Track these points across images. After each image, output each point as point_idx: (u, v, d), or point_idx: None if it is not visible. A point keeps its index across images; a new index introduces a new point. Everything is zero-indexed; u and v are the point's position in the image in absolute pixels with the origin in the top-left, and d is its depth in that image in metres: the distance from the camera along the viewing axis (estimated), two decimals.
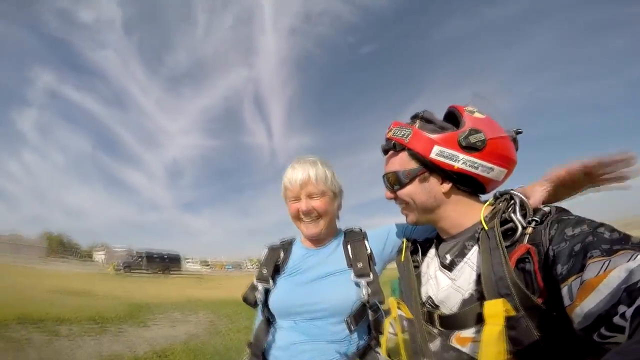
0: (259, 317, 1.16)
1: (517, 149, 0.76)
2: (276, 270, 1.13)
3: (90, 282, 13.08)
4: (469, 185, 0.76)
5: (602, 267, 0.44)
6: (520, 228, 0.62)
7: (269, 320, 1.10)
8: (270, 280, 1.09)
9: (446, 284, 0.73)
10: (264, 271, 1.12)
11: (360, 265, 1.02)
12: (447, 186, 0.76)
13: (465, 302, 0.67)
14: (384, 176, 0.84)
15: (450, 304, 0.71)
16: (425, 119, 0.77)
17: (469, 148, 0.70)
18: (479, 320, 0.61)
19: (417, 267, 0.87)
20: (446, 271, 0.75)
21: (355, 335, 0.98)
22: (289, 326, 1.03)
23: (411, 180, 0.77)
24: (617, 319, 0.39)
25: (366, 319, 0.98)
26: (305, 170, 1.06)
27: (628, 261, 0.42)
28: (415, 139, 0.75)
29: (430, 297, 0.77)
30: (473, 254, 0.70)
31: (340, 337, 0.97)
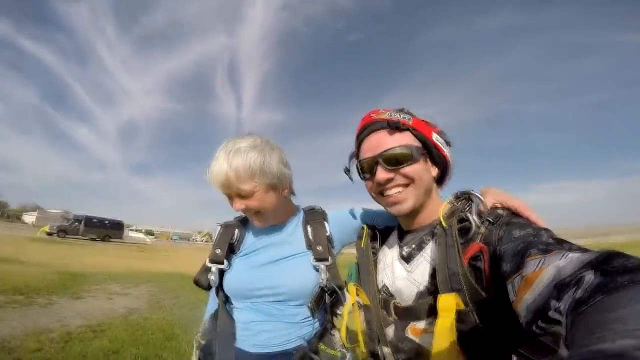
0: (212, 300, 1.15)
1: None
2: (231, 250, 1.09)
3: (18, 247, 11.93)
4: (439, 180, 0.85)
5: (538, 264, 0.49)
6: (474, 227, 0.67)
7: (225, 303, 1.07)
8: (225, 261, 1.05)
9: (402, 274, 0.77)
10: (218, 251, 1.06)
11: (319, 248, 1.02)
12: (435, 172, 0.82)
13: (420, 295, 0.72)
14: (383, 153, 0.78)
15: (405, 295, 0.75)
16: (408, 114, 0.82)
17: (447, 143, 0.82)
18: (432, 312, 0.66)
19: (374, 254, 0.90)
20: (404, 262, 0.79)
21: (315, 317, 0.99)
22: (247, 307, 1.01)
23: (419, 157, 0.78)
24: (551, 313, 0.43)
25: (324, 302, 1.00)
26: (223, 169, 0.92)
27: (560, 259, 0.46)
28: (418, 123, 0.80)
29: (386, 286, 0.81)
30: (430, 248, 0.74)
31: (299, 319, 0.98)
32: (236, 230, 1.12)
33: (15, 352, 2.70)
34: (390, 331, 0.76)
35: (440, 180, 0.86)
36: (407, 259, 0.79)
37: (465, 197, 0.76)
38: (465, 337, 0.61)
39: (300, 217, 1.15)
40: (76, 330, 3.66)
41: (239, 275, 1.04)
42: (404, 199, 0.78)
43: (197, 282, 1.08)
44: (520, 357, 0.57)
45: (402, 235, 0.87)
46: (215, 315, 1.08)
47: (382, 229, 0.97)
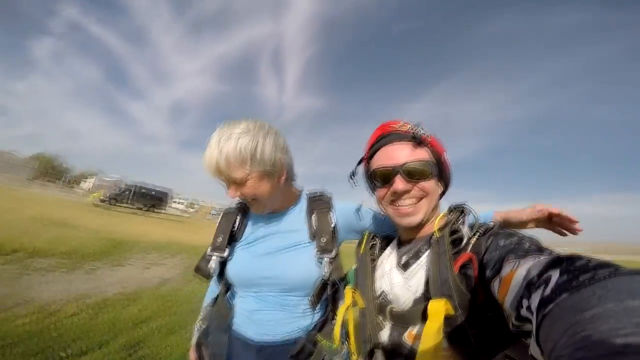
0: (213, 286, 1.15)
1: None
2: (232, 238, 1.08)
3: (72, 212, 13.13)
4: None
5: (513, 266, 0.53)
6: (465, 238, 0.71)
7: (225, 290, 1.07)
8: (226, 250, 1.04)
9: (399, 281, 0.80)
10: (219, 239, 1.06)
11: (323, 239, 0.99)
12: (441, 189, 0.85)
13: (416, 301, 0.74)
14: (406, 165, 0.80)
15: (401, 302, 0.77)
16: (421, 135, 0.84)
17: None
18: (425, 317, 0.68)
19: (373, 260, 0.92)
20: (401, 270, 0.82)
21: (316, 309, 1.00)
22: (250, 295, 1.01)
23: (435, 175, 0.82)
24: (523, 311, 0.45)
25: (326, 294, 0.99)
26: (213, 156, 0.88)
27: (532, 261, 0.49)
28: (435, 143, 0.83)
29: (384, 292, 0.83)
30: (426, 257, 0.77)
31: (302, 310, 0.98)
32: (237, 218, 1.10)
33: (54, 316, 2.96)
34: (384, 335, 0.78)
35: (441, 196, 0.89)
36: (404, 267, 0.82)
37: (459, 210, 0.80)
38: (454, 340, 0.64)
39: (303, 204, 1.11)
40: (112, 298, 3.95)
41: (241, 264, 1.03)
42: (415, 212, 0.81)
43: (197, 270, 1.08)
44: (506, 359, 0.59)
45: (400, 245, 0.90)
46: (216, 301, 1.09)
47: (382, 237, 0.98)
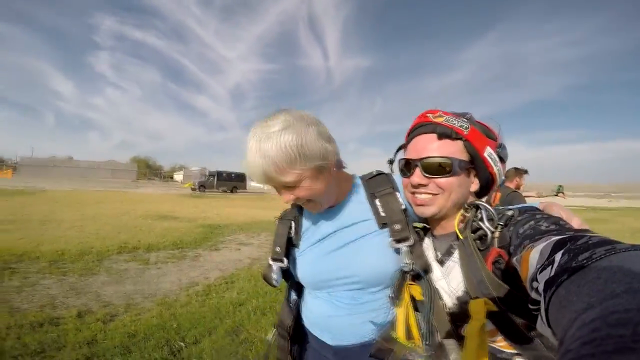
0: (286, 293, 1.14)
1: None
2: (291, 244, 1.04)
3: (172, 204, 15.27)
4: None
5: (526, 250, 0.54)
6: (489, 234, 0.70)
7: (297, 293, 1.08)
8: (285, 260, 1.01)
9: (439, 275, 0.81)
10: (277, 249, 1.02)
11: (397, 227, 0.88)
12: (476, 186, 0.83)
13: (459, 300, 0.75)
14: (424, 159, 0.80)
15: (444, 297, 0.79)
16: (473, 121, 0.82)
17: (501, 159, 0.83)
18: (468, 316, 0.68)
19: None
20: (439, 265, 0.82)
21: (394, 306, 0.90)
22: (323, 298, 0.97)
23: (460, 172, 0.79)
24: (533, 294, 0.46)
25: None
26: (257, 163, 0.78)
27: (543, 243, 0.50)
28: (474, 135, 0.78)
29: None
30: (458, 255, 0.77)
31: (377, 306, 0.91)
32: (292, 223, 1.05)
33: (172, 307, 3.52)
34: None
35: (482, 192, 0.86)
36: (440, 262, 0.82)
37: (474, 207, 0.78)
38: (508, 335, 0.66)
39: (360, 190, 1.00)
40: (214, 283, 4.53)
41: (307, 268, 1.00)
42: (429, 204, 0.82)
43: (264, 278, 1.05)
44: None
45: (433, 237, 0.90)
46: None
47: (421, 228, 0.97)
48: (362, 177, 1.04)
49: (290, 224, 1.05)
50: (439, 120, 0.80)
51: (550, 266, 0.43)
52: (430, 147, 0.80)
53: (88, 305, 3.41)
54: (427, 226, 0.95)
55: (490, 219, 0.72)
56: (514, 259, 0.59)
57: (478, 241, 0.72)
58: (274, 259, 1.02)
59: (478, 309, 0.65)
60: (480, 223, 0.72)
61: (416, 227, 0.95)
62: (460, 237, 0.76)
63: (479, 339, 0.63)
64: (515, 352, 0.67)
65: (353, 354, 0.91)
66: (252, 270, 5.23)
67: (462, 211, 0.81)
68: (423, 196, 0.82)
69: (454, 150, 0.79)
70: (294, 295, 1.10)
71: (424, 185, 0.81)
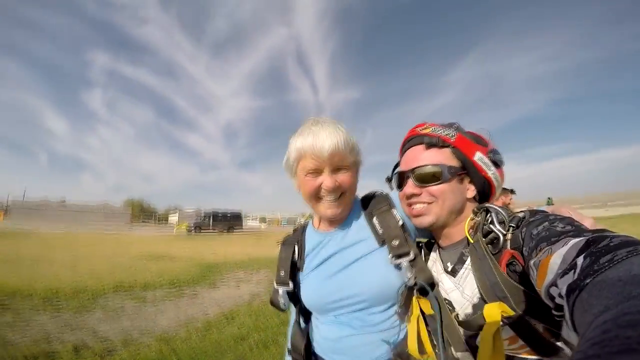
0: (292, 318, 1.13)
1: None
2: (295, 268, 1.05)
3: (167, 245, 14.95)
4: (481, 197, 0.87)
5: (545, 254, 0.52)
6: (501, 236, 0.69)
7: (305, 318, 1.06)
8: (290, 283, 1.01)
9: (450, 286, 0.80)
10: (282, 273, 1.03)
11: (395, 242, 0.88)
12: (472, 192, 0.84)
13: (475, 307, 0.73)
14: (414, 169, 0.83)
15: (458, 307, 0.77)
16: (460, 129, 0.84)
17: (495, 163, 0.83)
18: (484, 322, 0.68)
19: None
20: (450, 276, 0.81)
21: (403, 322, 0.89)
22: (331, 321, 0.95)
23: (451, 178, 0.80)
24: (557, 300, 0.46)
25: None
26: (334, 136, 0.87)
27: (562, 246, 0.49)
28: (461, 141, 0.81)
29: (445, 298, 0.82)
30: (470, 262, 0.76)
31: (388, 325, 0.89)
32: (295, 246, 1.07)
33: (171, 342, 3.38)
34: (463, 335, 0.77)
35: (482, 199, 0.87)
36: (452, 273, 0.81)
37: (483, 210, 0.78)
38: (526, 338, 0.63)
39: (358, 209, 1.04)
40: (214, 319, 4.38)
41: (311, 290, 0.99)
42: (424, 213, 0.83)
43: (272, 303, 1.07)
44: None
45: (440, 249, 0.89)
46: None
47: (426, 243, 0.97)
48: (361, 198, 1.08)
49: (294, 247, 1.06)
50: (426, 131, 0.84)
51: (573, 270, 0.42)
52: (420, 157, 0.83)
53: (84, 341, 3.27)
54: (433, 240, 0.95)
55: (501, 222, 0.71)
56: (531, 262, 0.57)
57: (490, 245, 0.71)
58: (279, 283, 1.03)
59: (492, 313, 0.63)
60: (491, 226, 0.71)
61: (420, 242, 0.96)
62: (471, 241, 0.75)
63: (492, 344, 0.61)
64: (537, 357, 0.64)
65: None
66: (252, 306, 5.07)
67: (471, 215, 0.81)
68: (418, 206, 0.84)
69: (442, 158, 0.81)
70: (302, 320, 1.08)
71: (417, 195, 0.83)
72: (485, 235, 0.72)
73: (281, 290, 1.02)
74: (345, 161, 0.91)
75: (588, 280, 0.38)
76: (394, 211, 0.96)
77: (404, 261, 0.86)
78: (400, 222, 0.93)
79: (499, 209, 0.73)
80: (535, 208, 0.74)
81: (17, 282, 5.53)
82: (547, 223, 0.61)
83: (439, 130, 0.83)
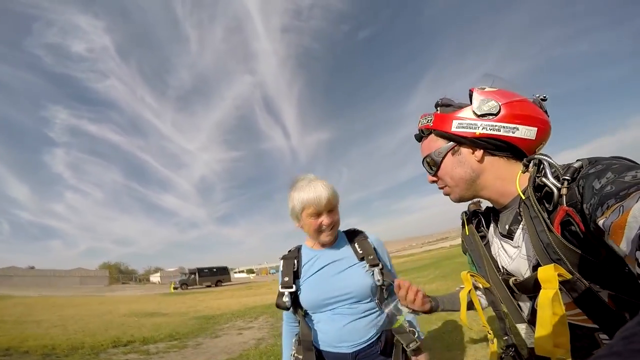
0: (290, 318, 1.42)
1: (546, 113, 0.79)
2: (296, 276, 1.34)
3: (156, 302, 14.19)
4: (504, 150, 0.77)
5: (618, 213, 0.45)
6: (555, 190, 0.61)
7: (306, 315, 1.31)
8: (293, 285, 1.30)
9: (514, 252, 0.76)
10: (286, 279, 1.31)
11: (370, 257, 1.29)
12: (479, 154, 0.78)
13: (535, 268, 0.68)
14: (422, 162, 0.90)
15: (523, 272, 0.73)
16: (444, 105, 0.84)
17: (485, 115, 0.75)
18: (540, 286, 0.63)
19: (483, 237, 0.92)
20: (509, 240, 0.78)
21: (381, 309, 1.26)
22: (328, 317, 1.25)
23: (444, 157, 0.82)
24: (638, 269, 0.40)
25: (383, 295, 1.27)
26: (326, 190, 1.25)
27: (637, 202, 0.43)
28: (437, 120, 0.82)
29: (504, 267, 0.81)
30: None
31: (372, 311, 1.26)
32: (294, 260, 1.37)
33: None
34: (525, 308, 0.77)
35: (517, 152, 0.77)
36: (508, 236, 0.78)
37: (534, 163, 0.70)
38: (585, 306, 0.58)
39: (343, 237, 1.42)
40: None
41: (311, 291, 1.29)
42: (448, 192, 0.87)
43: (278, 305, 1.31)
44: None
45: (496, 214, 0.87)
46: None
47: (485, 213, 0.95)
48: (344, 230, 1.47)
49: (294, 260, 1.37)
50: (419, 126, 0.89)
51: None
52: (422, 150, 0.89)
53: None
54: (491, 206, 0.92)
55: (555, 175, 0.63)
56: (600, 222, 0.49)
57: (544, 201, 0.65)
58: (284, 286, 1.30)
59: (548, 276, 0.58)
60: (544, 180, 0.63)
61: (477, 213, 0.98)
62: (522, 196, 0.69)
63: (551, 310, 0.56)
64: (596, 326, 0.59)
65: (369, 354, 1.21)
66: (260, 349, 4.95)
67: (522, 168, 0.74)
68: (444, 189, 0.88)
69: (429, 144, 0.86)
70: (305, 319, 1.33)
71: (436, 181, 0.89)
72: (538, 190, 0.66)
73: (286, 292, 1.29)
74: (334, 205, 1.30)
75: None
76: (369, 240, 1.38)
77: (376, 269, 1.27)
78: (373, 247, 1.35)
79: (552, 160, 0.66)
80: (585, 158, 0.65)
81: (9, 341, 5.22)
82: (610, 174, 0.53)
83: (423, 121, 0.87)
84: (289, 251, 1.47)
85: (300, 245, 1.45)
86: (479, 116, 0.76)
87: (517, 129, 0.73)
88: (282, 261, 1.41)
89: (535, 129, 0.74)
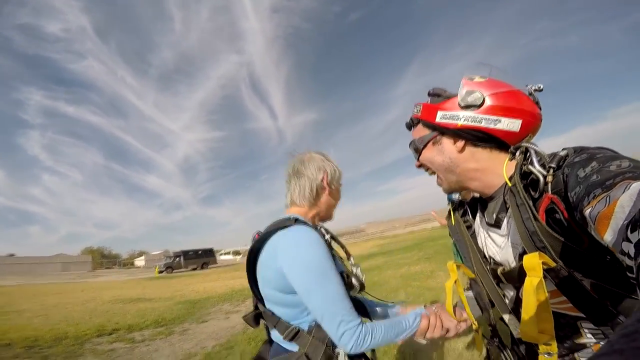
0: None
1: (537, 104, 0.78)
2: None
3: (141, 287, 14.12)
4: (486, 141, 0.78)
5: (604, 203, 0.45)
6: (541, 178, 0.62)
7: None
8: None
9: (502, 241, 0.77)
10: None
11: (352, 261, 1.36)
12: (460, 144, 0.80)
13: (521, 257, 0.67)
14: (409, 147, 0.93)
15: (510, 260, 0.73)
16: (434, 94, 0.85)
17: (468, 106, 0.76)
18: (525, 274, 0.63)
19: (469, 227, 0.93)
20: (496, 229, 0.79)
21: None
22: None
23: (425, 145, 0.86)
24: (627, 261, 0.39)
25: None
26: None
27: (623, 192, 0.43)
28: (425, 110, 0.85)
29: (491, 257, 0.82)
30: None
31: None
32: None
33: None
34: (509, 297, 0.78)
35: (500, 143, 0.78)
36: (496, 224, 0.79)
37: (521, 151, 0.71)
38: (569, 293, 0.59)
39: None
40: (213, 350, 4.31)
41: None
42: (439, 183, 0.89)
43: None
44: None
45: (483, 203, 0.88)
46: None
47: (471, 203, 0.97)
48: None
49: None
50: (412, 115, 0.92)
51: None
52: (412, 138, 0.92)
53: None
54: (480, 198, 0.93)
55: (541, 163, 0.64)
56: (586, 212, 0.49)
57: (530, 188, 0.65)
58: None
59: (532, 264, 0.58)
60: (531, 167, 0.64)
61: (462, 203, 1.00)
62: (509, 184, 0.70)
63: (536, 297, 0.57)
64: (580, 315, 0.61)
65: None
66: (248, 334, 5.02)
67: (509, 156, 0.76)
68: (430, 174, 0.91)
69: (416, 133, 0.90)
70: None
71: (421, 166, 0.91)
72: (524, 178, 0.67)
73: None
74: None
75: None
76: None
77: (358, 268, 1.25)
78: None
79: (538, 148, 0.67)
80: (571, 147, 0.66)
81: None
82: (595, 163, 0.53)
83: (414, 110, 0.89)
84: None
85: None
86: (462, 107, 0.77)
87: (500, 121, 0.74)
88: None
89: (520, 121, 0.74)
